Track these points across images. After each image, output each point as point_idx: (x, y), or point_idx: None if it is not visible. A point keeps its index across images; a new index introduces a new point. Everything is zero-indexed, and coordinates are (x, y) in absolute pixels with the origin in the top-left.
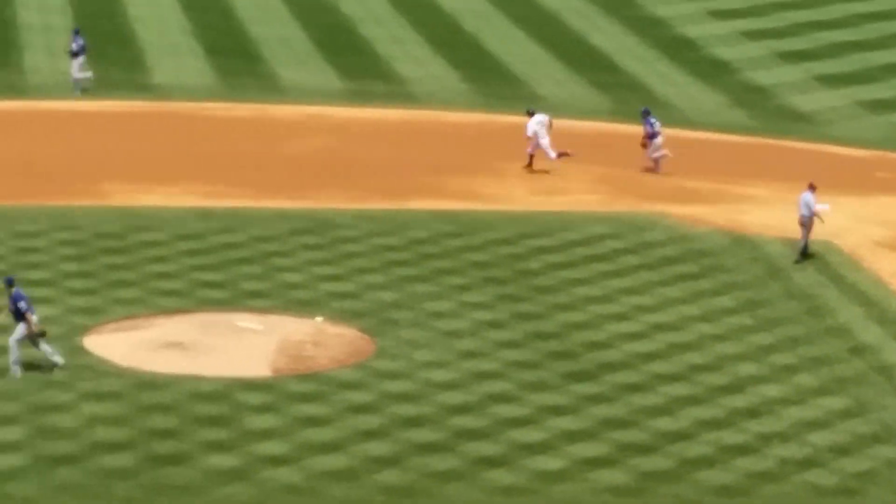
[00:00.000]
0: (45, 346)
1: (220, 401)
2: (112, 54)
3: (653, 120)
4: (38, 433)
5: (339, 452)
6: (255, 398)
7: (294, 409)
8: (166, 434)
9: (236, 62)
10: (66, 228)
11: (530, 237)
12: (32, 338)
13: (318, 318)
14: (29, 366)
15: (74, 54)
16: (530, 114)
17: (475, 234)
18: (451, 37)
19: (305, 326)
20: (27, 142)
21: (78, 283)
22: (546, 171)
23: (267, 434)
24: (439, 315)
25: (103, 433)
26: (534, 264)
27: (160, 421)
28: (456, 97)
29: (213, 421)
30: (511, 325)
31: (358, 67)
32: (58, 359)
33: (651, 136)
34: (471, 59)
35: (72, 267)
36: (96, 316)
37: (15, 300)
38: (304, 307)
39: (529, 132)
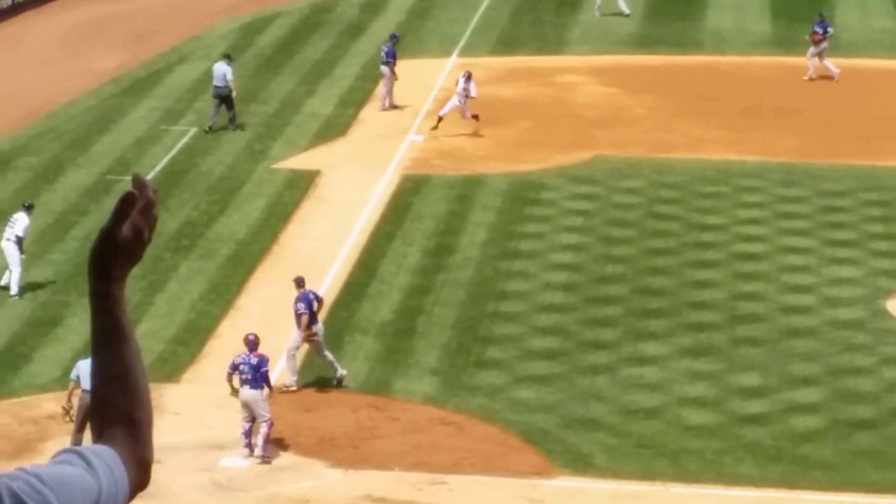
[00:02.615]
0: (328, 355)
1: None
2: None
3: (826, 24)
4: (837, 396)
5: None
6: None
7: None
8: None
9: None
10: (872, 189)
11: None
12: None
13: None
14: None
15: None
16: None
17: None
18: None
19: None
20: (837, 100)
21: (883, 245)
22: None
23: None
24: None
25: None
26: None
27: None
28: None
29: None
30: None
31: None
32: (339, 370)
33: (821, 39)
34: None
35: (877, 228)
36: None
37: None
38: None
39: (473, 93)
